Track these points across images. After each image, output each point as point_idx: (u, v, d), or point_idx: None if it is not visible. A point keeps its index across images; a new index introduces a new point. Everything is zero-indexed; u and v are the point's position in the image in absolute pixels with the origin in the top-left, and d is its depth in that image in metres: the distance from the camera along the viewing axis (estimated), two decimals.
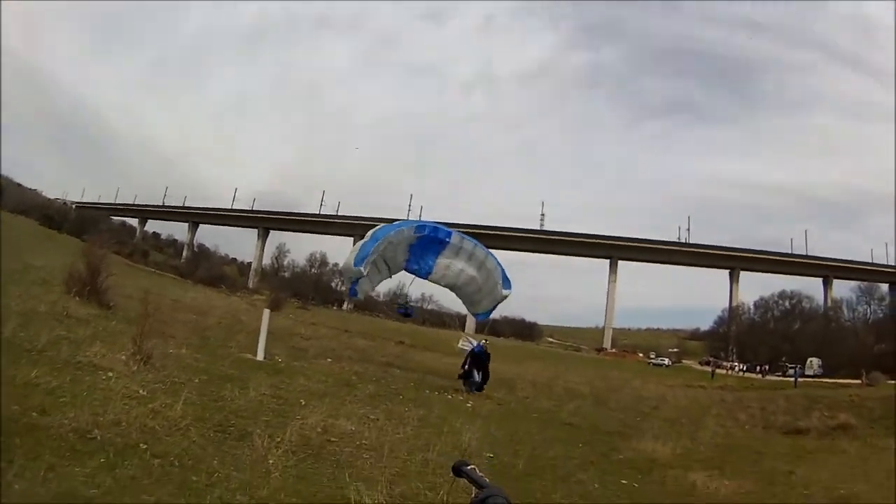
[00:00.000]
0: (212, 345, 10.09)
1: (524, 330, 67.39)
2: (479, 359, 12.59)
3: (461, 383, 12.33)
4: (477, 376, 12.37)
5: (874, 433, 11.40)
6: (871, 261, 60.08)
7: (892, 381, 26.43)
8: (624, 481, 6.35)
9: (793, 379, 35.39)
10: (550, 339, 71.24)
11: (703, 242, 62.95)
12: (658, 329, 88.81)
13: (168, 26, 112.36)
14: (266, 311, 10.95)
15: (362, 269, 11.81)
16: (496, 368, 12.93)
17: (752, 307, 60.79)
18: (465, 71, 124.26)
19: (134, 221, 78.56)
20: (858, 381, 25.84)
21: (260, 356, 9.74)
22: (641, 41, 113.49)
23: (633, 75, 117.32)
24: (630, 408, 13.23)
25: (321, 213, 70.11)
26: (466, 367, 12.59)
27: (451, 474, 1.33)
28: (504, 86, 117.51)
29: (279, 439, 4.83)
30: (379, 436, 5.85)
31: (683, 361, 58.16)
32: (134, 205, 78.37)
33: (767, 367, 47.29)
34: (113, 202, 78.25)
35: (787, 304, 59.04)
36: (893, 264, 58.91)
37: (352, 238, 69.88)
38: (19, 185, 55.47)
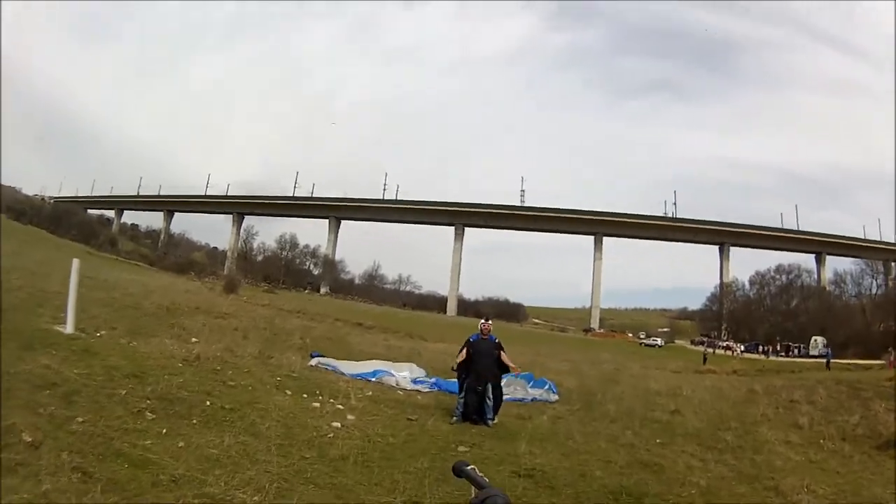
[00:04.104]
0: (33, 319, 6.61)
1: (508, 311, 62.60)
2: (482, 356, 6.30)
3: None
4: (488, 397, 6.14)
5: None
6: (863, 237, 57.35)
7: None
8: None
9: (801, 358, 32.23)
10: (536, 321, 67.88)
11: (691, 217, 59.52)
12: (645, 309, 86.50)
13: (145, 19, 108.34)
14: (74, 262, 6.33)
15: None
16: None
17: (746, 283, 56.36)
18: (444, 54, 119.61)
19: (112, 213, 76.12)
20: (878, 362, 21.97)
21: (69, 328, 6.33)
22: (619, 21, 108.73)
23: (612, 55, 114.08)
24: (639, 414, 7.51)
25: (295, 195, 66.41)
26: (459, 372, 6.52)
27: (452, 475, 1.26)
28: (483, 68, 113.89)
29: None
30: None
31: (676, 341, 55.03)
32: (110, 196, 75.11)
33: (776, 348, 43.31)
34: (90, 195, 75.00)
35: (783, 278, 54.56)
36: (888, 240, 55.84)
37: (326, 220, 67.75)
38: None
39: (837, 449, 6.57)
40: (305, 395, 5.65)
